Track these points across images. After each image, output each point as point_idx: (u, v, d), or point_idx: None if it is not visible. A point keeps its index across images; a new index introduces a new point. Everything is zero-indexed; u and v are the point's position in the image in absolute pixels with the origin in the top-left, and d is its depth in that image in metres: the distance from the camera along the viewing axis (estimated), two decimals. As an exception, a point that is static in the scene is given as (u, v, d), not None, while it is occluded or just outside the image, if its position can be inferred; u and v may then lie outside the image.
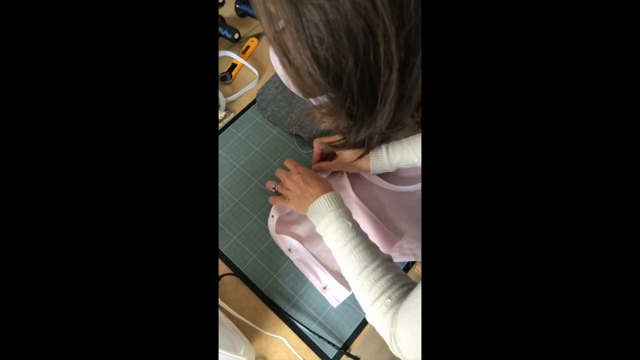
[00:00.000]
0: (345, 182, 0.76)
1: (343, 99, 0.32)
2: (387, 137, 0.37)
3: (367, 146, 0.39)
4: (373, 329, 0.65)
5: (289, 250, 0.72)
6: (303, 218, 0.75)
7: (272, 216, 0.74)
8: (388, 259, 0.56)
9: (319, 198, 0.62)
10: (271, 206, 0.76)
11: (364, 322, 0.68)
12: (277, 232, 0.73)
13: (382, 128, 0.34)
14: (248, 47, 0.93)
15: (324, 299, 0.69)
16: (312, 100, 0.36)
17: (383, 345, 0.73)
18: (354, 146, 0.40)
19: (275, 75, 0.89)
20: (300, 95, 0.36)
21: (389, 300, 0.51)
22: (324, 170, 0.76)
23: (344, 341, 0.66)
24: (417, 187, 0.77)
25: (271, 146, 0.83)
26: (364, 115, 0.34)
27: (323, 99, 0.35)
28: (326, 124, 0.38)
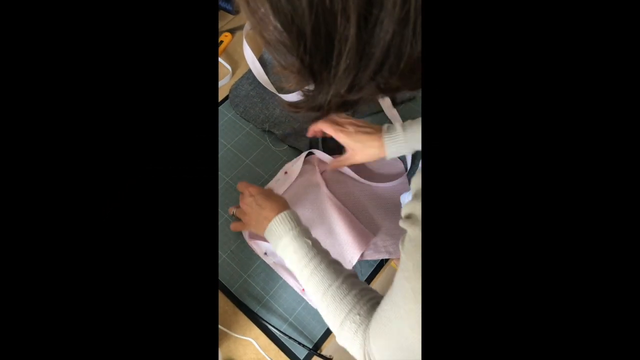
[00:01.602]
0: (318, 179, 0.75)
1: (297, 45, 0.30)
2: (346, 102, 0.36)
3: (324, 111, 0.37)
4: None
5: (265, 254, 0.70)
6: None
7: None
8: (352, 275, 0.54)
9: (273, 220, 0.59)
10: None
11: (336, 322, 0.66)
12: (251, 237, 0.71)
13: (340, 89, 0.32)
14: (221, 42, 0.91)
15: (294, 299, 0.67)
16: (275, 55, 0.34)
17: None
18: (312, 108, 0.38)
19: (250, 71, 0.87)
20: (267, 50, 0.35)
21: (357, 317, 0.49)
22: (337, 168, 0.74)
23: (315, 342, 0.65)
24: (394, 183, 0.75)
25: (243, 143, 0.81)
26: (322, 71, 0.32)
27: (284, 52, 0.33)
28: (292, 84, 0.36)
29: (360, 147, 0.68)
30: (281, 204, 0.62)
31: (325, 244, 0.60)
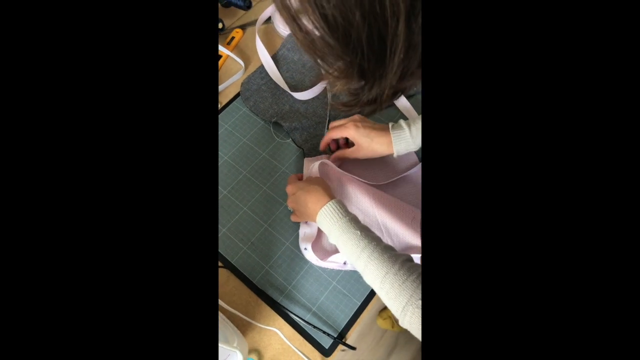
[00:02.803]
0: (339, 174, 0.74)
1: (354, 55, 0.32)
2: (397, 90, 0.37)
3: (379, 102, 0.39)
4: (368, 321, 0.64)
5: (345, 263, 0.68)
6: None
7: (305, 249, 0.69)
8: (408, 259, 0.53)
9: (319, 214, 0.59)
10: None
11: (359, 311, 0.66)
12: (322, 259, 0.68)
13: (393, 81, 0.35)
14: (233, 38, 0.91)
15: (317, 288, 0.67)
16: (322, 64, 0.36)
17: (380, 339, 0.72)
18: (367, 103, 0.39)
19: (262, 65, 0.88)
20: (311, 59, 0.36)
21: (420, 302, 0.48)
22: (340, 158, 0.73)
23: (340, 330, 0.65)
24: (412, 171, 0.76)
25: (259, 136, 0.81)
26: (375, 71, 0.34)
27: (334, 61, 0.35)
28: (338, 87, 0.39)
29: (368, 142, 0.69)
30: (322, 195, 0.61)
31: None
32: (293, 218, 0.71)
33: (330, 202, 0.59)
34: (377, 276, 0.52)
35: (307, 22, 0.31)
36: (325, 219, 0.58)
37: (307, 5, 0.30)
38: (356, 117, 0.71)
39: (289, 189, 0.67)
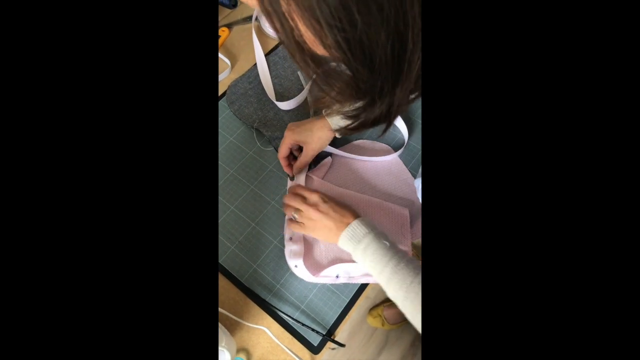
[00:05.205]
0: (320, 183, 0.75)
1: (377, 77, 0.31)
2: (406, 105, 0.37)
3: (391, 119, 0.38)
4: (359, 320, 0.64)
5: (337, 277, 0.67)
6: (329, 248, 0.69)
7: (296, 266, 0.66)
8: None
9: (353, 223, 0.60)
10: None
11: (348, 307, 0.66)
12: (315, 275, 0.66)
13: (401, 98, 0.34)
14: (219, 36, 0.91)
15: (306, 286, 0.67)
16: (327, 88, 0.34)
17: (370, 337, 0.72)
18: (375, 123, 0.38)
19: (251, 70, 0.87)
20: (318, 86, 0.35)
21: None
22: (302, 169, 0.74)
23: (328, 327, 0.65)
24: (388, 157, 0.77)
25: (246, 135, 0.81)
26: (389, 90, 0.33)
27: (335, 81, 0.34)
28: (333, 109, 0.38)
29: (310, 134, 0.71)
30: (354, 210, 0.64)
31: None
32: (295, 227, 0.67)
33: (364, 217, 0.61)
34: (402, 286, 0.53)
35: (321, 47, 0.29)
36: (359, 228, 0.60)
37: (323, 31, 0.28)
38: (288, 126, 0.73)
39: (317, 197, 0.65)
